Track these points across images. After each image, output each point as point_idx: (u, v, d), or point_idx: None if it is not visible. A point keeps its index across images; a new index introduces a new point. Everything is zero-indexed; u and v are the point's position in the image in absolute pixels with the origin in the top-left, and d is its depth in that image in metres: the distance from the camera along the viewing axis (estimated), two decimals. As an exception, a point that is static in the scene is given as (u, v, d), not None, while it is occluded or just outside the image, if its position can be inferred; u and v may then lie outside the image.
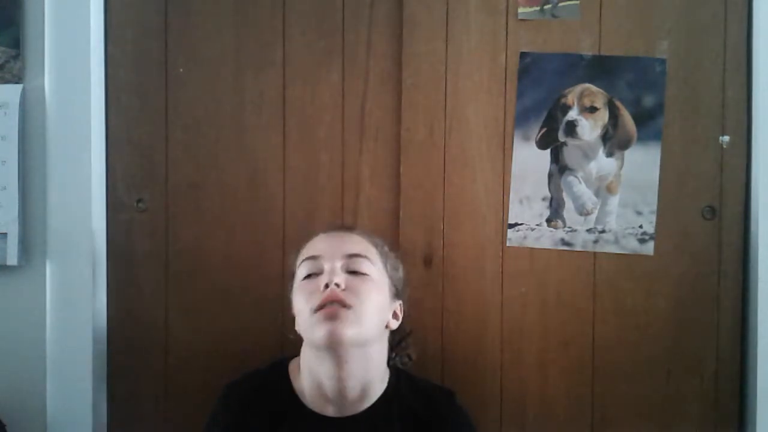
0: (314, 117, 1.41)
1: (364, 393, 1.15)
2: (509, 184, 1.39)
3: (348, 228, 1.26)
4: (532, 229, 1.39)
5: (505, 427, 1.39)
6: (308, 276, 1.15)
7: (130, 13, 1.43)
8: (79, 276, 1.39)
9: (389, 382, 1.19)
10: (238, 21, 1.41)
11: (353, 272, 1.14)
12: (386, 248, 1.23)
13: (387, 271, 1.20)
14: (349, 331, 1.08)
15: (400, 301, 1.22)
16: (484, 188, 1.39)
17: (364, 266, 1.15)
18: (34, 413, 1.39)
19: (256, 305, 1.41)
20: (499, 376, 1.39)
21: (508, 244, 1.39)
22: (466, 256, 1.39)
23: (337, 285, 1.10)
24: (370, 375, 1.15)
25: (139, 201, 1.43)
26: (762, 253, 1.33)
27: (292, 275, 1.21)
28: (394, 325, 1.20)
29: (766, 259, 1.33)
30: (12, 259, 1.38)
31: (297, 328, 1.17)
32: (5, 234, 1.38)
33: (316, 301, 1.10)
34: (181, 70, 1.42)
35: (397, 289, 1.21)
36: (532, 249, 1.39)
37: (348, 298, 1.10)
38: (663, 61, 1.36)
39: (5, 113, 1.38)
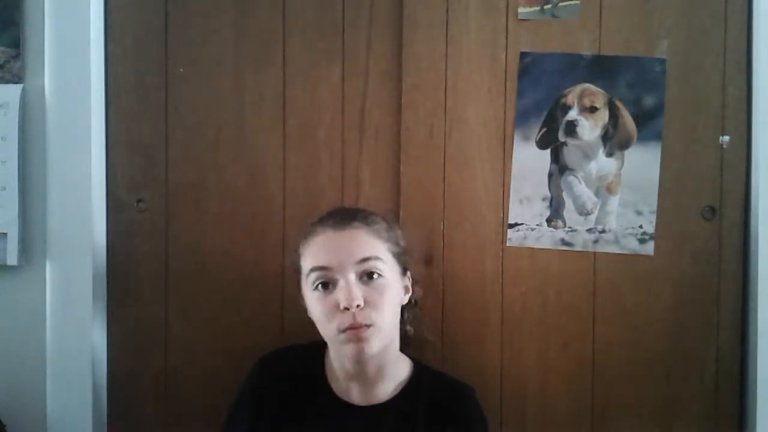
0: (314, 117, 1.41)
1: (381, 372, 1.17)
2: (509, 184, 1.39)
3: (350, 219, 1.17)
4: (532, 229, 1.39)
5: (505, 427, 1.39)
6: (321, 285, 1.13)
7: (130, 12, 1.43)
8: (79, 276, 1.39)
9: (412, 374, 1.21)
10: (238, 21, 1.41)
11: (367, 275, 1.12)
12: (386, 223, 1.20)
13: (393, 254, 1.18)
14: (376, 346, 1.11)
15: (409, 272, 1.22)
16: (484, 188, 1.39)
17: (376, 266, 1.13)
18: (34, 413, 1.39)
19: (256, 305, 1.41)
20: (499, 376, 1.39)
21: (508, 244, 1.39)
22: (466, 256, 1.39)
23: (357, 306, 1.09)
24: (386, 356, 1.17)
25: (139, 201, 1.43)
26: (762, 253, 1.33)
27: (297, 269, 1.19)
28: (406, 299, 1.22)
29: (766, 259, 1.33)
30: (12, 259, 1.38)
31: (310, 316, 1.18)
32: (5, 234, 1.38)
33: (340, 323, 1.10)
34: (181, 70, 1.42)
35: (403, 262, 1.20)
36: (532, 249, 1.39)
37: (369, 317, 1.10)
38: (663, 61, 1.36)
39: (5, 113, 1.38)
